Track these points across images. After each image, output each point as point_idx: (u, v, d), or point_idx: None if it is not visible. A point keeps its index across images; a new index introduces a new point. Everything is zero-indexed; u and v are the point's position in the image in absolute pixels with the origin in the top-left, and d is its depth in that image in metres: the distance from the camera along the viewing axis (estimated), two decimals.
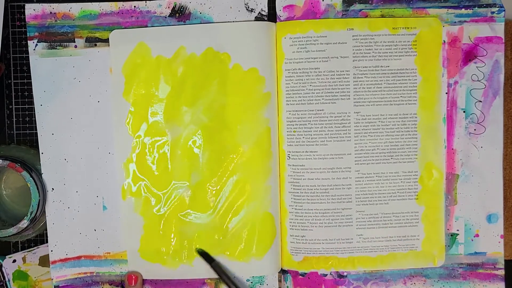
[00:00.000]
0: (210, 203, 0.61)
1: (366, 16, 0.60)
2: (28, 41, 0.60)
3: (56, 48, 0.60)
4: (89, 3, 0.60)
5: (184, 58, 0.60)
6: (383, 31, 0.60)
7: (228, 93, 0.60)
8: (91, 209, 0.61)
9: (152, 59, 0.60)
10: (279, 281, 0.62)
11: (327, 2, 0.60)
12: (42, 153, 0.60)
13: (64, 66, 0.60)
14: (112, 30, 0.60)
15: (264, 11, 0.60)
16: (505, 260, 0.62)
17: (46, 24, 0.60)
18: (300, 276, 0.62)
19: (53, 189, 0.61)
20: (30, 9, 0.59)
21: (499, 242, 0.62)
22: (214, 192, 0.61)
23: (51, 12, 0.60)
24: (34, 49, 0.60)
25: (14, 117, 0.62)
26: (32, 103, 0.61)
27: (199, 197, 0.61)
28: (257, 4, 0.60)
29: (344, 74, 0.60)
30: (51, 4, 0.59)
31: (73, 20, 0.60)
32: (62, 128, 0.61)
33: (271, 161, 0.61)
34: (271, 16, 0.61)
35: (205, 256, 0.61)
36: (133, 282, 0.61)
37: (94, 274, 0.62)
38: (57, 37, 0.60)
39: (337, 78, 0.60)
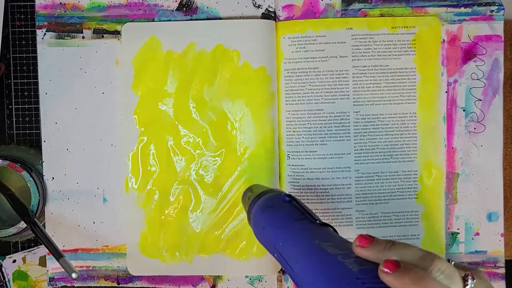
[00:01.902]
0: (213, 201, 0.61)
1: (366, 15, 0.60)
2: (37, 30, 0.60)
3: (64, 38, 0.61)
4: None
5: (194, 54, 0.60)
6: (382, 30, 0.60)
7: (236, 90, 0.60)
8: (91, 201, 0.62)
9: (163, 54, 0.60)
10: (279, 281, 0.62)
11: (326, 1, 0.60)
12: (44, 141, 0.61)
13: (71, 56, 0.61)
14: (119, 23, 0.61)
15: (271, 7, 0.61)
16: (506, 260, 0.62)
17: (55, 14, 0.60)
18: None
19: (53, 178, 0.61)
20: None
21: (500, 240, 0.61)
22: (218, 189, 0.61)
23: (60, 3, 0.60)
24: (42, 38, 0.60)
25: (14, 117, 0.62)
26: (32, 103, 0.61)
27: (202, 194, 0.61)
28: (264, 0, 0.61)
29: (343, 74, 0.60)
30: None
31: (82, 11, 0.61)
32: (65, 118, 0.61)
33: (275, 161, 0.61)
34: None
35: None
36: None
37: (90, 268, 0.62)
38: (66, 28, 0.61)
39: (336, 78, 0.60)
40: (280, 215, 0.47)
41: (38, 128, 0.62)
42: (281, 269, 0.62)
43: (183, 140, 0.61)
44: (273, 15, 0.61)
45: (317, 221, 0.44)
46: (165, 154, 0.61)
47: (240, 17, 0.61)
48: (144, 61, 0.61)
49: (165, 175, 0.61)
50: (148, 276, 0.62)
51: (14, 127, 0.62)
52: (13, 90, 0.62)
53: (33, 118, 0.61)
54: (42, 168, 0.61)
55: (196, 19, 0.61)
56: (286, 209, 0.47)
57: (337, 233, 0.44)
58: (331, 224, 0.45)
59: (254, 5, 0.61)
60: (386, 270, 0.35)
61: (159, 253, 0.61)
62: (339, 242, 0.41)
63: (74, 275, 0.50)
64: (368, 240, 0.38)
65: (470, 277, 0.36)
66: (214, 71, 0.61)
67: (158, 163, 0.61)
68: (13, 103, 0.62)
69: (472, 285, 0.35)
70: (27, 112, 0.62)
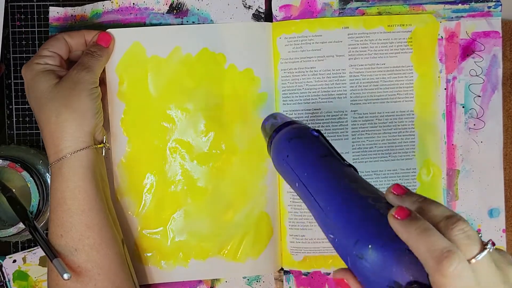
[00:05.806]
0: (205, 204, 0.60)
1: (363, 14, 0.61)
2: None
3: None
4: (97, 2, 0.61)
5: (180, 59, 0.60)
6: (378, 29, 0.60)
7: (223, 93, 0.60)
8: None
9: (147, 59, 0.60)
10: (281, 281, 0.62)
11: (323, 1, 0.61)
12: (45, 154, 0.61)
13: None
14: (113, 28, 0.60)
15: (262, 8, 0.61)
16: None
17: (67, 25, 0.61)
18: (303, 276, 0.61)
19: None
20: (54, 12, 0.61)
21: (501, 236, 0.60)
22: (210, 193, 0.60)
23: (72, 15, 0.61)
24: None
25: (14, 117, 0.62)
26: None
27: (194, 198, 0.60)
28: (254, 1, 0.61)
29: (340, 73, 0.60)
30: (73, 8, 0.61)
31: (87, 20, 0.61)
32: None
33: (267, 161, 0.61)
34: (268, 16, 0.61)
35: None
36: (107, 43, 0.59)
37: None
38: None
39: (333, 77, 0.60)
40: (307, 147, 0.46)
41: (38, 128, 0.62)
42: (281, 268, 0.62)
43: (172, 145, 0.60)
44: (263, 16, 0.61)
45: (344, 161, 0.44)
46: (155, 160, 0.60)
47: (231, 18, 0.61)
48: (128, 67, 0.60)
49: (156, 182, 0.60)
50: None
51: (14, 127, 0.62)
52: (13, 90, 0.62)
53: (33, 118, 0.62)
54: (42, 168, 0.61)
55: (187, 22, 0.61)
56: (314, 142, 0.46)
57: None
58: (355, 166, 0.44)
59: (244, 6, 0.61)
60: (396, 215, 0.35)
61: (154, 260, 0.60)
62: (366, 184, 0.41)
63: (66, 276, 0.50)
64: (403, 189, 0.39)
65: (490, 242, 0.35)
66: (200, 74, 0.60)
67: (148, 170, 0.60)
68: (13, 103, 0.62)
69: (491, 250, 0.34)
70: (27, 112, 0.62)
